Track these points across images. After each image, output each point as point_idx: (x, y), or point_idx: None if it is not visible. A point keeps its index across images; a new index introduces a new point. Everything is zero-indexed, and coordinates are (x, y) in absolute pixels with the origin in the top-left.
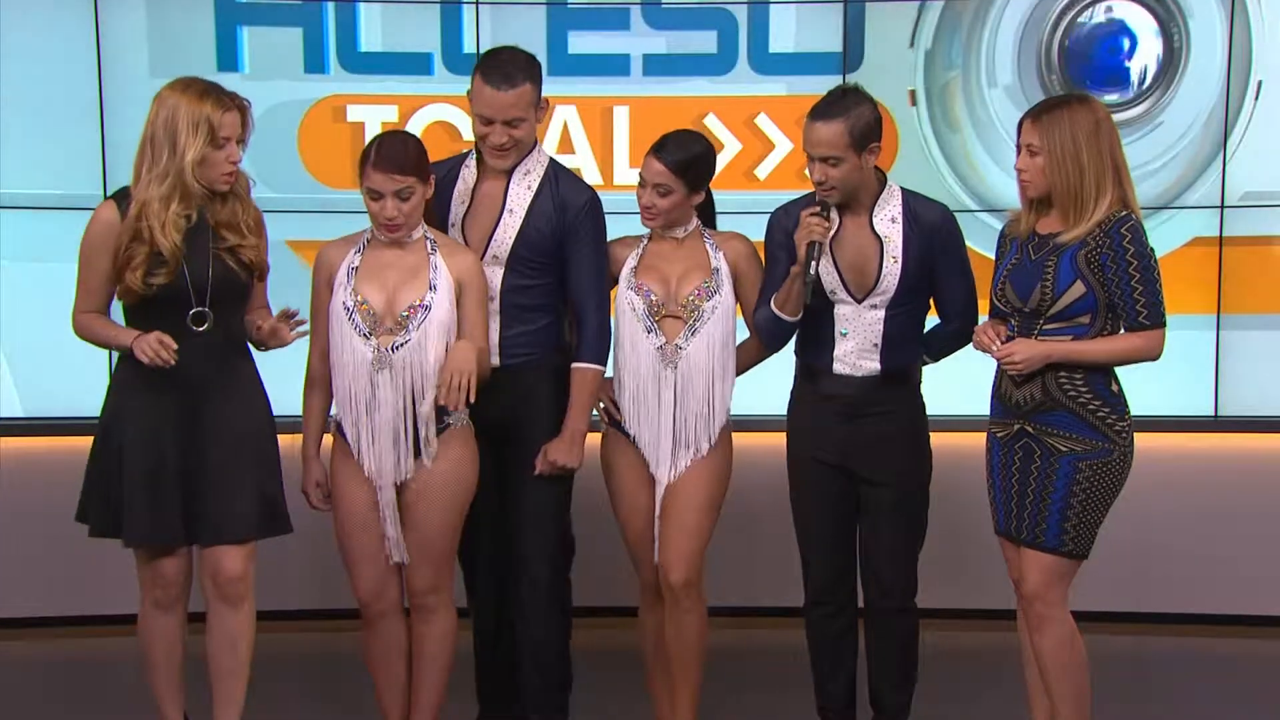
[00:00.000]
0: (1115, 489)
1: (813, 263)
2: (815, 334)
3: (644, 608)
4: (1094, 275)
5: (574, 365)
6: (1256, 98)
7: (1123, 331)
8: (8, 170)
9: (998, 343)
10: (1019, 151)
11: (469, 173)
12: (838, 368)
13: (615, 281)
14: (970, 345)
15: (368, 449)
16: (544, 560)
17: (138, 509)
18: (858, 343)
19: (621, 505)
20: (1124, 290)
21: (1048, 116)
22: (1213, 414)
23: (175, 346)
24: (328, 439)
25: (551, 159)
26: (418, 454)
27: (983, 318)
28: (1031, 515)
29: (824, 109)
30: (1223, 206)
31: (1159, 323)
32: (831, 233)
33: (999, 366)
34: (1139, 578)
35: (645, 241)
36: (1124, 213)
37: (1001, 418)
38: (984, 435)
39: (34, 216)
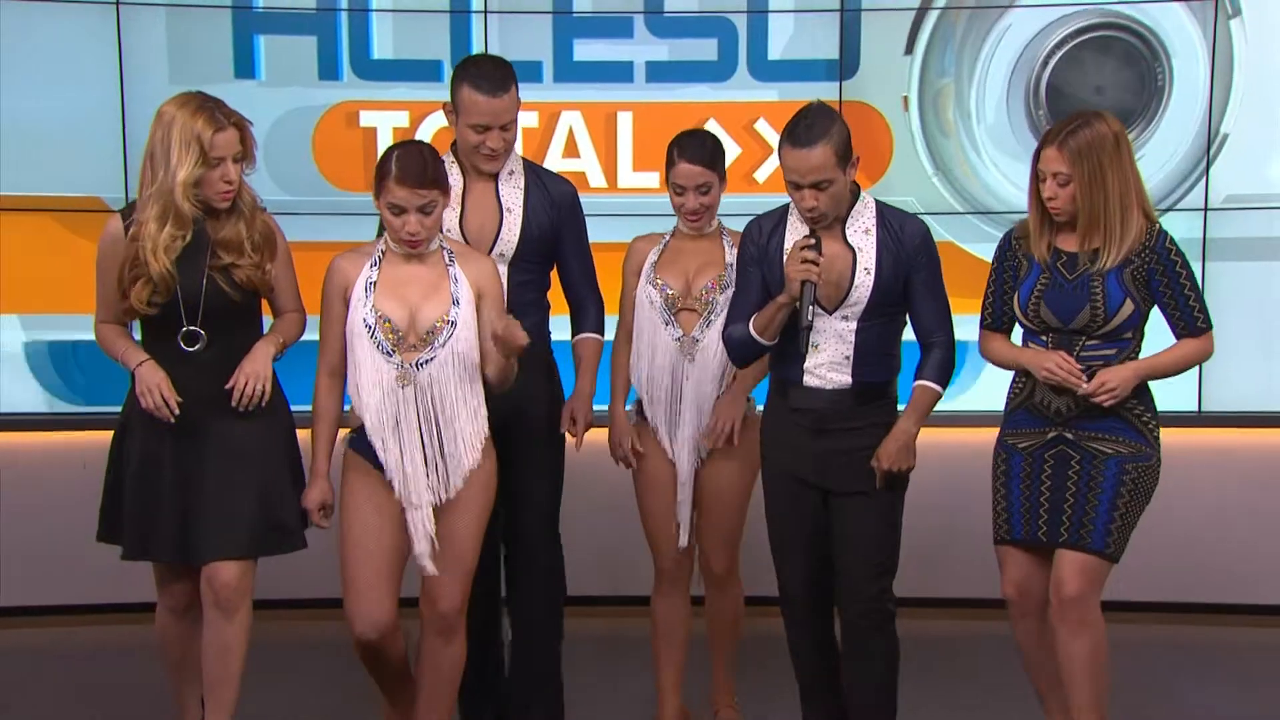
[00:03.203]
0: (1151, 494)
1: (810, 307)
2: (786, 346)
3: (657, 594)
4: (1139, 292)
5: (580, 336)
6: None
7: (1175, 340)
8: (34, 175)
9: (1084, 379)
10: (1040, 178)
11: (452, 179)
12: (808, 380)
13: (638, 276)
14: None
15: (396, 468)
16: (547, 544)
17: (133, 525)
18: (829, 355)
19: (646, 496)
20: (1179, 300)
21: (1073, 142)
22: (1196, 409)
23: (178, 402)
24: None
25: (523, 158)
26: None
27: (972, 324)
28: (1073, 518)
29: (805, 135)
30: (1206, 209)
31: (1210, 325)
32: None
33: (1022, 381)
34: (1122, 569)
35: (667, 238)
36: (1158, 227)
37: (1032, 427)
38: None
39: (58, 219)
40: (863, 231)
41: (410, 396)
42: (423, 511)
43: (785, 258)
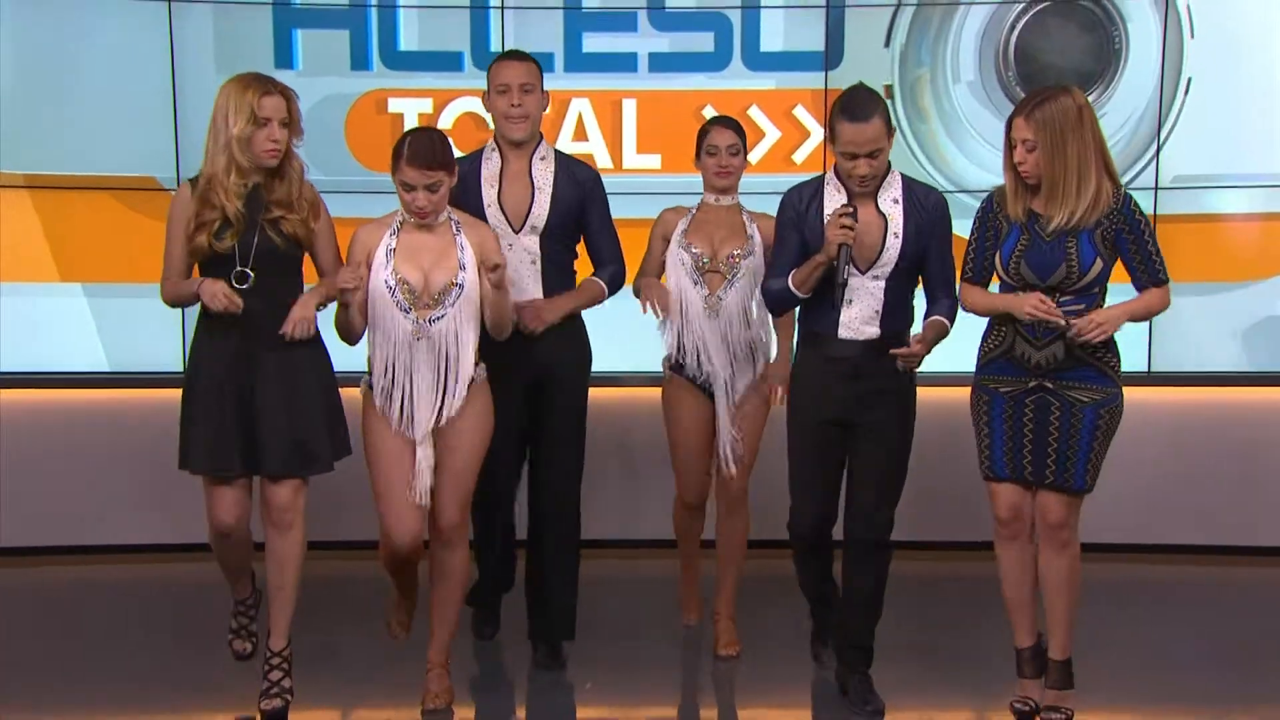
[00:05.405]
0: (1117, 427)
1: (846, 266)
2: (821, 302)
3: (679, 512)
4: (1107, 249)
5: (588, 278)
6: (1187, 92)
7: (1138, 291)
8: (95, 157)
9: (1064, 319)
10: (1013, 146)
11: (493, 162)
12: (843, 333)
13: (664, 241)
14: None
15: (398, 411)
16: (568, 492)
17: (197, 442)
18: (861, 310)
19: (678, 435)
20: (1144, 255)
21: (1039, 113)
22: (1146, 369)
23: (239, 298)
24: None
25: (555, 149)
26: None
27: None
28: (1058, 461)
29: (862, 111)
30: (1157, 188)
31: (1169, 277)
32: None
33: (1000, 333)
34: (1086, 515)
35: (693, 210)
36: (1123, 191)
37: (1013, 376)
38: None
39: (117, 197)
40: (891, 201)
41: (423, 348)
42: (428, 448)
43: (825, 222)
